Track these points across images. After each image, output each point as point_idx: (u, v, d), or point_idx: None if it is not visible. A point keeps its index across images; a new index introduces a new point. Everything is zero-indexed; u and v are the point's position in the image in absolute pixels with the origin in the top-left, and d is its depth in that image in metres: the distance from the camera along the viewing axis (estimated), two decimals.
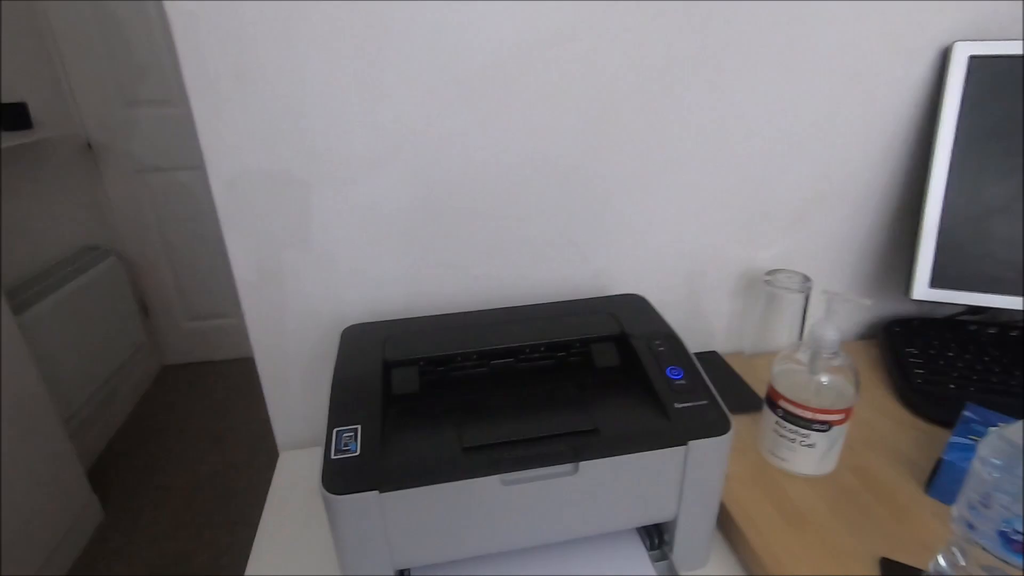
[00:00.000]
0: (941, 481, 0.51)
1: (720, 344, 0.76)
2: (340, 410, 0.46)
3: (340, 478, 0.41)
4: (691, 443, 0.44)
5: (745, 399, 0.65)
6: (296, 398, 0.66)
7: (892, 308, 0.78)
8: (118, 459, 1.78)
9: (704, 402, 0.47)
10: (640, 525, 0.51)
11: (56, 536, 1.39)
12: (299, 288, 0.62)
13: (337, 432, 0.44)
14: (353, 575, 0.44)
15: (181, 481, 1.69)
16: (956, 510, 0.38)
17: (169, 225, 2.05)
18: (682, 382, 0.48)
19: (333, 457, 0.42)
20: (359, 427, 0.44)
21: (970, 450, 0.51)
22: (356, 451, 0.42)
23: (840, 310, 0.51)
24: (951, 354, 0.68)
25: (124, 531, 1.53)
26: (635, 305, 0.60)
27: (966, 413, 0.56)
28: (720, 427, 0.45)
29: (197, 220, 2.04)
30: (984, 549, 0.37)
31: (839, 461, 0.55)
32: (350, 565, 0.43)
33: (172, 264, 2.10)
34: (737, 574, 0.50)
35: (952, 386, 0.64)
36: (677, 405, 0.47)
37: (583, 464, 0.43)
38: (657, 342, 0.53)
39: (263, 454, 1.73)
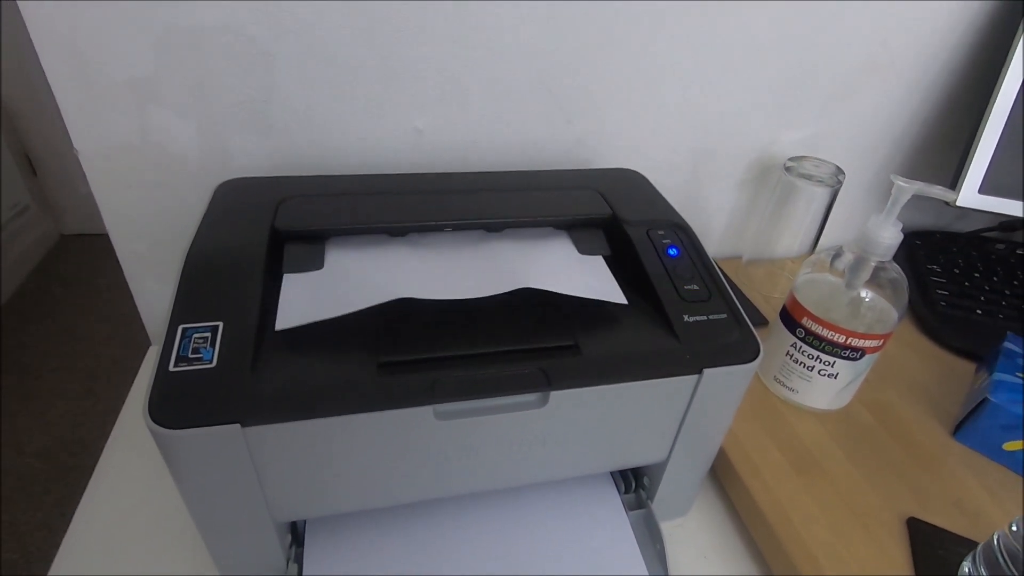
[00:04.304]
0: (979, 426, 0.42)
1: (714, 247, 0.63)
2: (193, 298, 0.30)
3: (178, 403, 0.26)
4: (707, 371, 0.31)
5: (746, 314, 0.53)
6: (165, 275, 0.49)
7: (910, 219, 0.66)
8: (6, 336, 1.57)
9: (723, 316, 0.34)
10: (620, 468, 0.40)
11: None
12: (161, 126, 0.43)
13: (184, 331, 0.28)
14: (208, 528, 0.30)
15: (82, 364, 1.51)
16: None
17: None
18: (694, 288, 0.35)
19: (172, 369, 0.27)
20: (220, 325, 0.29)
21: (1018, 391, 0.41)
22: (211, 361, 0.27)
23: (904, 206, 0.38)
24: (977, 275, 0.58)
25: (13, 416, 1.36)
26: (630, 183, 0.45)
27: (1007, 345, 0.46)
28: (746, 351, 0.32)
29: None
30: None
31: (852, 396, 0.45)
32: (203, 518, 0.30)
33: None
34: (728, 525, 0.41)
35: (979, 312, 0.54)
36: (688, 318, 0.33)
37: (556, 394, 0.30)
38: (660, 232, 0.39)
39: None
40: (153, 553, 0.37)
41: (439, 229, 0.38)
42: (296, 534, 0.35)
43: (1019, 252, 0.61)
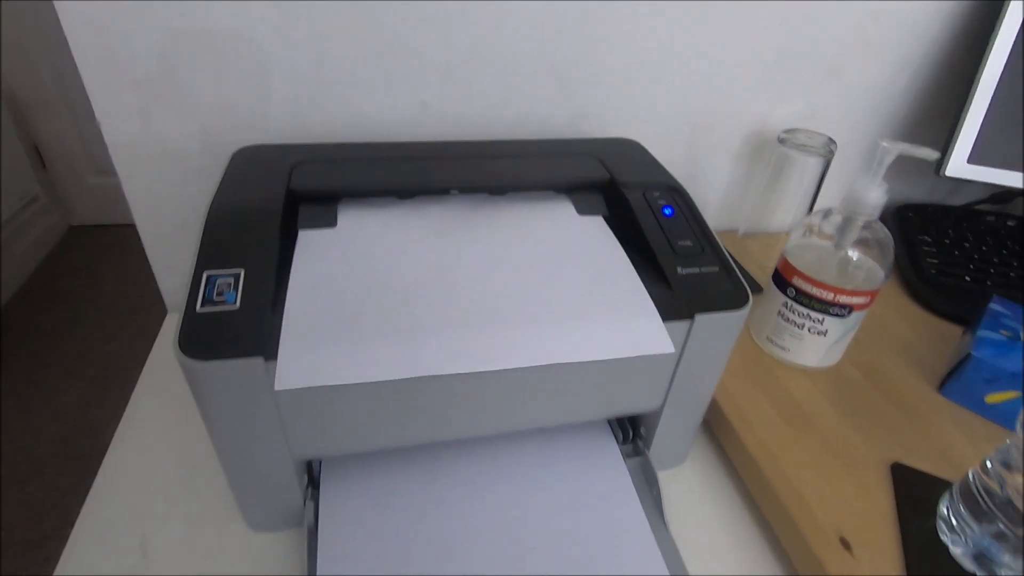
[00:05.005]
0: (963, 380, 0.44)
1: (711, 220, 0.64)
2: (216, 248, 0.32)
3: (206, 338, 0.28)
4: (698, 317, 0.33)
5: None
6: (182, 244, 0.51)
7: (904, 193, 0.68)
8: (16, 325, 1.59)
9: (715, 268, 0.36)
10: (615, 416, 0.42)
11: None
12: (182, 104, 0.45)
13: (208, 277, 0.30)
14: (232, 464, 0.33)
15: (92, 353, 1.54)
16: None
17: (64, 59, 1.70)
18: (688, 244, 0.37)
19: (199, 310, 0.29)
20: (242, 271, 0.31)
21: (1003, 346, 0.43)
22: (235, 303, 0.29)
23: (888, 167, 0.40)
24: (967, 245, 0.60)
25: (24, 404, 1.39)
26: (629, 151, 0.47)
27: (993, 306, 0.48)
28: (736, 299, 0.34)
29: None
30: None
31: (842, 355, 0.47)
32: (227, 454, 0.32)
33: (70, 107, 1.78)
34: (722, 474, 0.43)
35: (968, 279, 0.56)
36: (681, 270, 0.35)
37: None
38: (656, 194, 0.40)
39: None
40: (167, 523, 0.37)
41: (445, 192, 0.40)
42: (312, 477, 0.37)
43: (1009, 224, 0.62)
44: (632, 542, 0.36)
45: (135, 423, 0.44)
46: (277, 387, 0.27)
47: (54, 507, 1.16)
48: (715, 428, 0.44)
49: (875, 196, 0.40)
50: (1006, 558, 0.31)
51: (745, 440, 0.41)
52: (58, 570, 0.34)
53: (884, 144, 0.39)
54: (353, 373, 0.28)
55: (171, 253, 0.52)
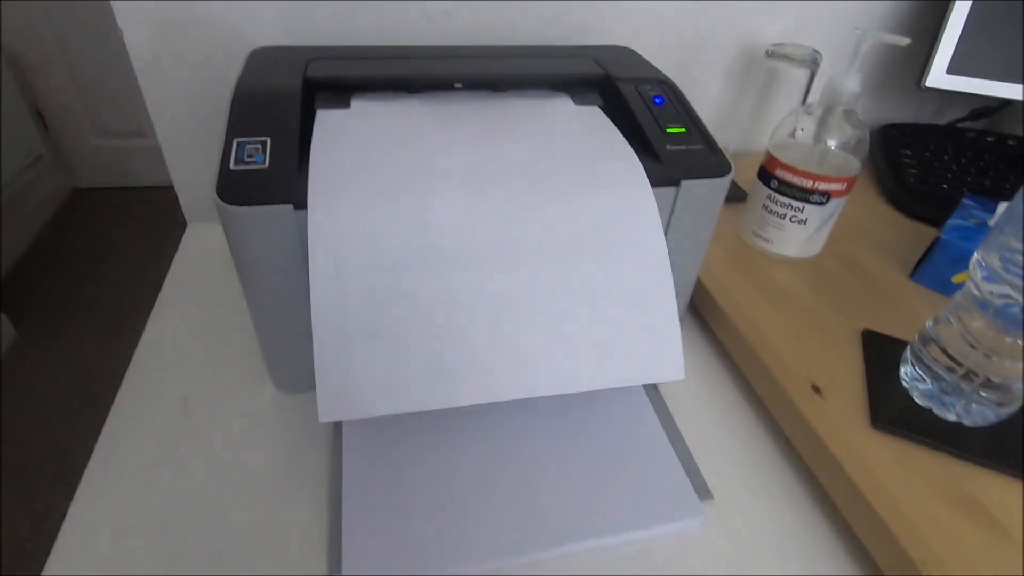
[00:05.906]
0: (932, 263, 0.47)
1: None
2: (243, 121, 0.35)
3: (241, 189, 0.31)
4: (684, 183, 0.37)
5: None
6: (202, 150, 0.54)
7: (889, 115, 0.71)
8: (27, 280, 1.63)
9: (701, 147, 0.39)
10: None
11: None
12: (199, 9, 0.48)
13: (239, 143, 0.34)
14: (263, 320, 0.36)
15: (104, 305, 1.58)
16: (981, 255, 0.33)
17: (62, 19, 1.70)
18: (676, 126, 0.40)
19: (233, 168, 0.32)
20: (268, 139, 0.34)
21: (969, 231, 0.47)
22: (264, 163, 0.33)
23: (864, 57, 0.43)
24: (946, 157, 0.62)
25: (42, 350, 1.43)
26: (623, 54, 0.49)
27: (965, 200, 0.51)
28: (719, 169, 0.38)
29: (100, 15, 1.70)
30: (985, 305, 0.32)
31: (822, 250, 0.51)
32: (259, 307, 0.35)
33: (70, 67, 1.78)
34: (708, 351, 0.47)
35: (945, 186, 0.59)
36: (670, 147, 0.38)
37: None
38: (648, 87, 0.43)
39: None
40: (204, 385, 0.41)
41: (450, 85, 0.43)
42: None
43: (988, 139, 0.65)
44: (625, 398, 0.40)
45: (169, 304, 0.48)
46: (321, 420, 0.31)
47: (79, 444, 1.22)
48: (704, 312, 0.48)
49: (851, 84, 0.43)
50: (957, 388, 0.35)
51: (730, 314, 0.44)
52: (109, 422, 0.38)
53: (858, 30, 0.41)
54: (391, 405, 0.32)
55: (189, 154, 0.55)
